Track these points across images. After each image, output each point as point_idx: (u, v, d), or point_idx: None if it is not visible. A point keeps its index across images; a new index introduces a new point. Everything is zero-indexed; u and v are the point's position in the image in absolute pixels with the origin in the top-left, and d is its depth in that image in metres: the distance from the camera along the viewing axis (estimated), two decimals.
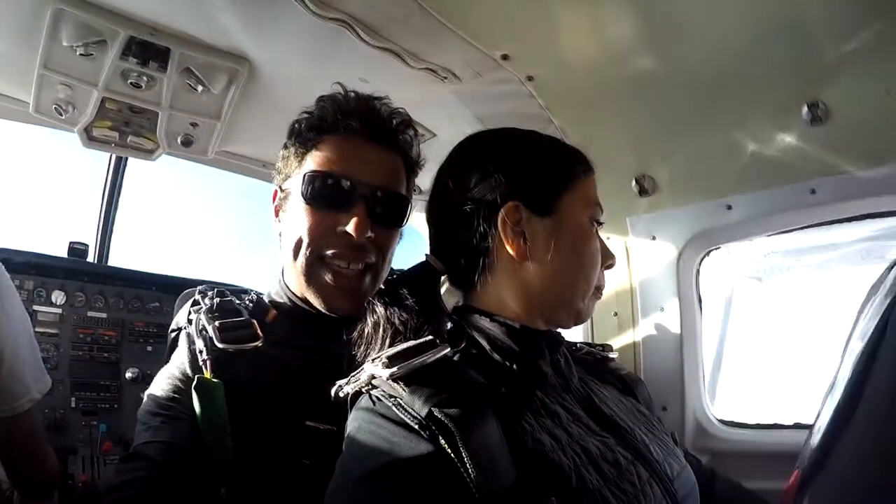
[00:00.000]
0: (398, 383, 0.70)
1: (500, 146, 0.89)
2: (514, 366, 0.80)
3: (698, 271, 1.43)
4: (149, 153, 1.55)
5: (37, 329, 1.69)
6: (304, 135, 1.02)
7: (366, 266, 1.01)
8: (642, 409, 0.95)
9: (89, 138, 1.45)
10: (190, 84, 1.34)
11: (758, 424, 1.40)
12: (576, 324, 0.86)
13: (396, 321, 0.83)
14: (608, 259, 0.89)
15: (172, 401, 0.91)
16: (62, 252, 1.92)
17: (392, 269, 1.19)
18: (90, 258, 1.95)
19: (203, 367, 0.91)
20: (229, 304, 1.03)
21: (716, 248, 1.41)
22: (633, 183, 1.43)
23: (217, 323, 0.95)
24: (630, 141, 1.40)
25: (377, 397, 0.71)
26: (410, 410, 0.67)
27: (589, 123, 1.39)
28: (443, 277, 0.90)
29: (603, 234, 1.50)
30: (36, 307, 1.76)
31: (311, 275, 1.00)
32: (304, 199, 0.98)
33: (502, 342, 0.81)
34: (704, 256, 1.42)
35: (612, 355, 1.11)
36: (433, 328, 0.83)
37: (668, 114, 1.32)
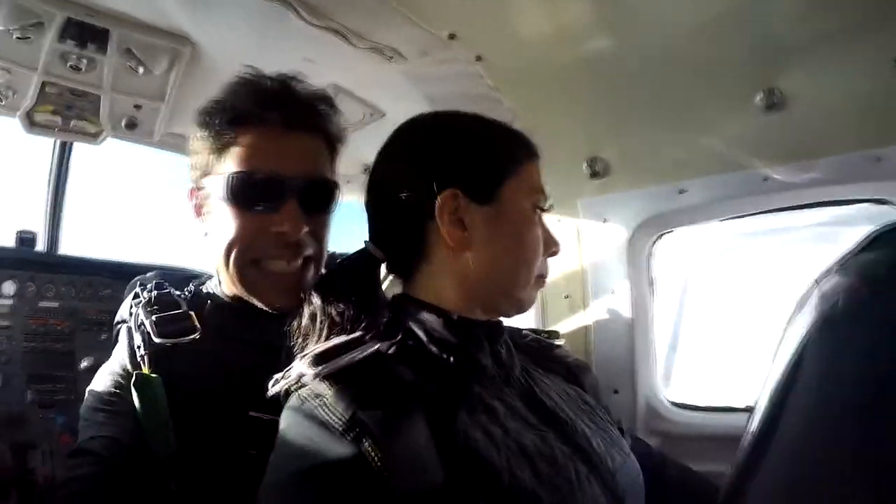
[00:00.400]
0: (325, 382, 0.68)
1: (439, 131, 0.87)
2: (451, 358, 0.78)
3: (650, 254, 1.43)
4: (93, 137, 1.53)
5: None
6: (218, 129, 0.95)
7: (305, 259, 0.98)
8: (587, 398, 0.93)
9: (31, 123, 1.42)
10: (131, 66, 1.32)
11: (709, 407, 1.40)
12: (517, 313, 0.85)
13: (333, 312, 0.81)
14: (552, 246, 0.86)
15: (114, 396, 0.90)
16: (10, 242, 1.86)
17: (335, 253, 1.18)
18: (39, 247, 1.91)
19: (141, 362, 0.90)
20: (167, 297, 1.01)
21: (668, 232, 1.41)
22: (585, 165, 1.42)
23: (154, 317, 0.94)
24: (582, 122, 1.39)
25: (304, 397, 0.69)
26: (335, 412, 0.65)
27: (540, 104, 1.38)
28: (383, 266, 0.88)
29: (553, 217, 1.52)
30: None
31: (248, 279, 0.97)
32: (230, 202, 0.93)
33: (439, 334, 0.79)
34: (657, 240, 1.42)
35: (558, 342, 1.09)
36: (370, 320, 0.81)
37: (621, 96, 1.31)
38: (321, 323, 0.81)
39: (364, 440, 0.62)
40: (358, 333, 0.77)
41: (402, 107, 1.51)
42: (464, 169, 0.81)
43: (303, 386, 0.71)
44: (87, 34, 1.22)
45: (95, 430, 0.86)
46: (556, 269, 1.51)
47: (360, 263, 0.86)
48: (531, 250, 0.82)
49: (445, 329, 0.79)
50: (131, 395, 0.86)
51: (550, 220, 1.49)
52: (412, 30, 1.20)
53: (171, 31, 1.27)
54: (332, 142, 1.05)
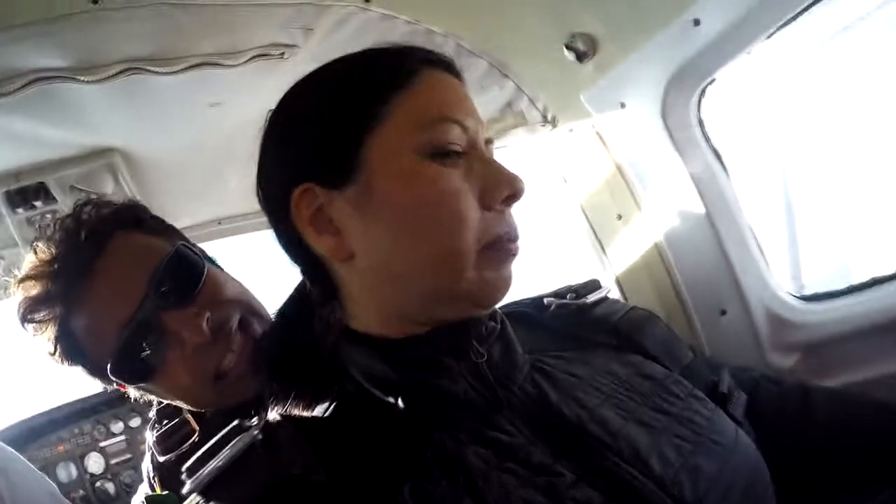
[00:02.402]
0: (200, 498, 0.56)
1: (282, 107, 0.65)
2: (399, 401, 0.57)
3: (699, 122, 1.04)
4: None
5: (111, 461, 1.89)
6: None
7: (241, 337, 0.88)
8: (651, 369, 0.67)
9: None
10: (84, 199, 1.30)
11: (854, 287, 0.98)
12: (481, 306, 0.60)
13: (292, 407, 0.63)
14: (501, 189, 0.57)
15: None
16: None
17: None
18: None
19: (154, 484, 0.90)
20: (168, 408, 0.97)
21: (709, 83, 1.01)
22: (566, 51, 1.07)
23: (155, 436, 0.93)
24: (535, 4, 1.05)
25: None
26: None
27: (473, 9, 1.08)
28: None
29: (564, 128, 1.19)
30: (102, 444, 1.90)
31: (214, 401, 0.89)
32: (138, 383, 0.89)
33: (378, 370, 0.58)
34: (700, 99, 1.02)
35: (593, 297, 0.78)
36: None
37: None
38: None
39: None
40: (234, 423, 0.61)
41: None
42: (306, 149, 0.60)
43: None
44: (28, 195, 1.23)
45: None
46: (597, 188, 1.19)
47: (296, 310, 0.67)
48: (446, 215, 0.55)
49: (383, 362, 0.58)
50: None
51: (561, 133, 1.19)
52: (273, 11, 0.99)
53: (93, 152, 1.23)
54: (156, 236, 0.92)
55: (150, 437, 0.95)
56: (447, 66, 0.64)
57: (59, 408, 1.92)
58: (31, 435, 1.84)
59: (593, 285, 0.83)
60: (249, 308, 0.91)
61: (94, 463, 1.89)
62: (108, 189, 1.31)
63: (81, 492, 1.81)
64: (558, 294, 0.81)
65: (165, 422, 0.95)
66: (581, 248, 1.22)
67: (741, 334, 1.04)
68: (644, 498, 0.51)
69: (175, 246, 0.89)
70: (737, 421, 0.65)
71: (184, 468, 0.60)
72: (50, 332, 0.85)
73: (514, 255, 0.59)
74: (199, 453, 0.60)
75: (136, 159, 1.28)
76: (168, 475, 0.88)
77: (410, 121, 0.57)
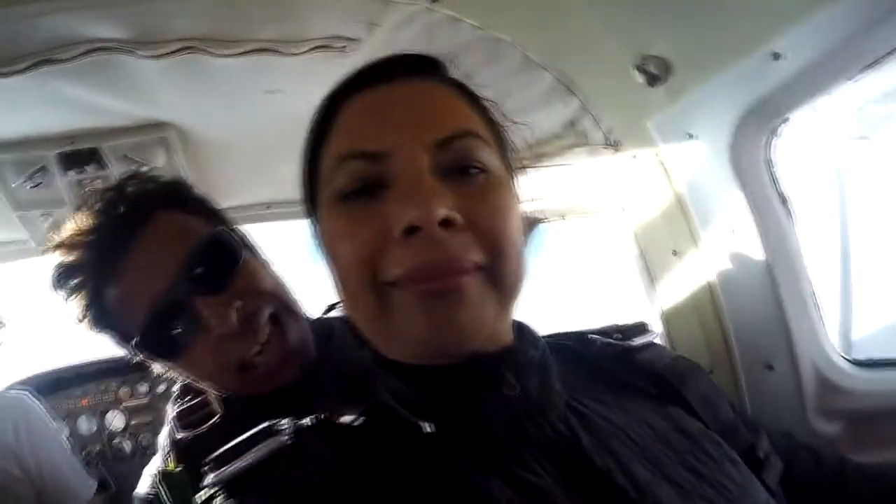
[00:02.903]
0: (221, 494, 0.56)
1: None
2: (427, 426, 0.55)
3: (769, 161, 0.98)
4: None
5: (132, 421, 1.94)
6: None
7: (269, 327, 0.87)
8: (689, 424, 0.64)
9: None
10: (135, 169, 1.32)
11: None
12: (436, 354, 0.55)
13: None
14: (395, 221, 0.51)
15: (152, 497, 0.90)
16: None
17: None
18: None
19: (168, 458, 0.89)
20: (193, 384, 0.97)
21: (783, 122, 0.94)
22: (636, 73, 1.02)
23: (176, 411, 0.93)
24: (607, 19, 1.00)
25: None
26: None
27: (544, 21, 1.03)
28: None
29: (628, 153, 1.14)
30: (125, 403, 1.95)
31: (243, 389, 0.89)
32: (168, 361, 0.92)
33: (407, 394, 0.57)
34: (770, 138, 0.96)
35: (640, 341, 0.75)
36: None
37: None
38: None
39: None
40: (265, 424, 0.60)
41: None
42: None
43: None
44: (81, 159, 1.25)
45: None
46: (655, 220, 1.15)
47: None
48: (339, 259, 0.57)
49: (412, 387, 0.57)
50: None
51: (623, 159, 1.14)
52: (338, 2, 0.97)
53: (147, 124, 1.24)
54: (194, 214, 0.92)
55: (171, 410, 0.95)
56: (402, 72, 0.60)
57: (89, 363, 1.98)
58: (57, 385, 1.91)
59: (641, 328, 0.79)
60: (283, 303, 0.89)
61: (115, 420, 1.95)
62: (160, 162, 1.32)
63: (98, 446, 1.87)
64: (604, 332, 0.77)
65: (188, 398, 0.96)
66: (631, 280, 1.17)
67: (786, 393, 0.99)
68: None
69: (215, 230, 0.88)
70: (769, 490, 0.62)
71: (208, 460, 0.59)
72: (81, 300, 0.86)
73: (435, 292, 0.51)
74: (224, 448, 0.59)
75: (190, 136, 1.29)
76: (184, 452, 0.88)
77: (328, 165, 0.57)
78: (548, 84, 1.11)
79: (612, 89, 1.08)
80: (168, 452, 0.90)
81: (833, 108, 1.03)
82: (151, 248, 0.83)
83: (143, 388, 1.97)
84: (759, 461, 0.65)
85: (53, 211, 1.37)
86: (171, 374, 0.96)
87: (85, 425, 1.91)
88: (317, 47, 1.04)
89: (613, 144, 1.12)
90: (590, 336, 0.76)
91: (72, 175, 1.27)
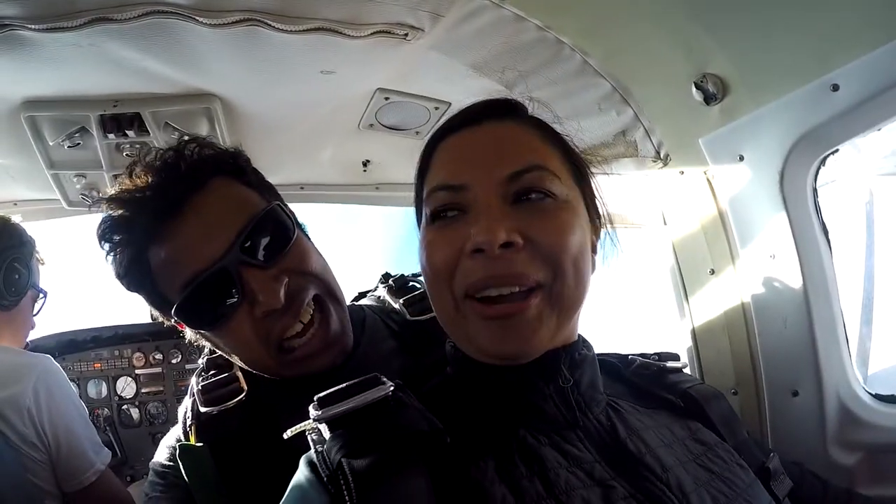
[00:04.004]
0: (326, 427, 0.62)
1: None
2: (493, 401, 0.68)
3: (815, 190, 0.99)
4: None
5: (143, 389, 1.95)
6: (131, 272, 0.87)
7: (313, 306, 0.86)
8: (705, 436, 0.74)
9: None
10: (175, 138, 1.30)
11: None
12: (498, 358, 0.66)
13: None
14: (469, 240, 0.63)
15: (168, 469, 0.90)
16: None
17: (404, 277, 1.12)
18: None
19: (189, 431, 0.87)
20: (220, 359, 0.97)
21: (832, 153, 0.96)
22: (693, 89, 1.03)
23: (201, 385, 0.91)
24: (671, 34, 1.00)
25: (311, 441, 0.64)
26: (325, 459, 0.60)
27: (608, 29, 1.04)
28: None
29: (674, 170, 1.15)
30: (138, 371, 1.95)
31: (281, 369, 0.88)
32: (201, 330, 0.89)
33: (484, 378, 0.69)
34: (819, 167, 0.98)
35: (674, 365, 0.85)
36: None
37: None
38: None
39: (344, 492, 0.56)
40: (372, 374, 0.67)
41: (460, 89, 1.30)
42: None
43: (316, 430, 0.65)
44: (123, 123, 1.25)
45: None
46: (695, 236, 1.16)
47: None
48: (429, 269, 0.68)
49: (488, 374, 0.68)
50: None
51: (672, 175, 1.15)
52: None
53: (193, 94, 1.24)
54: (242, 177, 0.91)
55: (195, 383, 0.93)
56: (487, 115, 0.71)
57: (106, 327, 1.97)
58: (72, 347, 1.91)
59: (674, 356, 0.89)
60: (327, 287, 0.89)
61: (126, 387, 1.95)
62: (202, 132, 1.31)
63: (107, 411, 1.87)
64: (643, 355, 0.88)
65: (213, 372, 0.94)
66: (665, 292, 1.19)
67: (808, 420, 1.01)
68: None
69: (270, 204, 0.88)
70: (777, 499, 0.70)
71: (315, 398, 0.65)
72: (125, 255, 0.84)
73: (498, 315, 0.62)
74: (331, 390, 0.65)
75: (235, 109, 1.28)
76: (205, 427, 0.87)
77: (426, 194, 0.70)
78: (604, 91, 1.11)
79: (667, 103, 1.08)
80: (190, 426, 0.88)
81: (870, 143, 1.04)
82: (206, 214, 0.83)
83: (157, 358, 1.97)
84: (768, 471, 0.73)
85: (87, 172, 1.37)
86: (202, 342, 0.94)
87: (94, 389, 1.91)
88: (379, 32, 1.04)
89: (663, 158, 1.12)
90: (630, 356, 0.88)
91: (111, 138, 1.27)
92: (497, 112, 0.72)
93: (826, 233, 1.01)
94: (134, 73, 1.12)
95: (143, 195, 0.83)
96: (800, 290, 1.00)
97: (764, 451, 0.79)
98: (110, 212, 0.85)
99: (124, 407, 1.91)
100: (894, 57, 0.82)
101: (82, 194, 1.42)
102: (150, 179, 0.84)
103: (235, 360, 0.92)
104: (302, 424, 0.66)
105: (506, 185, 0.64)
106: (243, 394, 0.88)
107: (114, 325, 1.95)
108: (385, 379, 0.66)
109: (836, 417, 0.99)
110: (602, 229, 0.74)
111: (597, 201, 0.74)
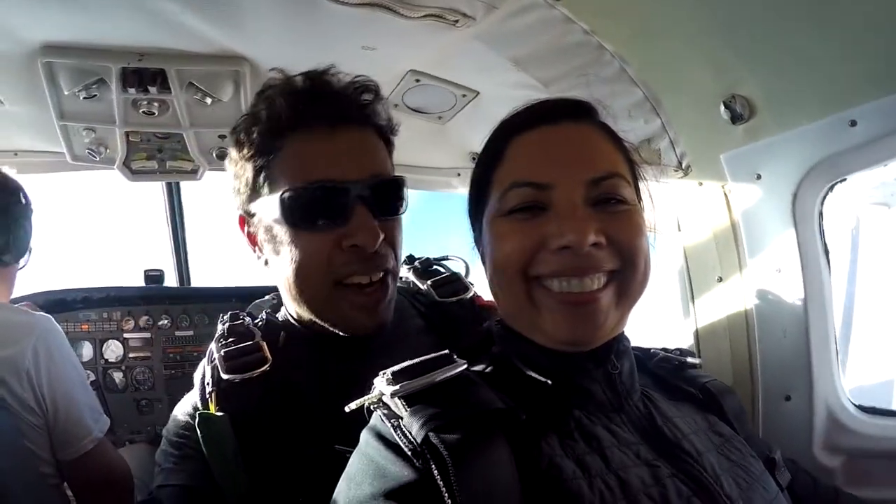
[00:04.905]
0: (402, 402, 0.63)
1: None
2: (550, 382, 0.71)
3: (821, 214, 1.07)
4: (192, 174, 1.55)
5: (129, 354, 1.89)
6: (258, 144, 0.85)
7: (384, 272, 0.88)
8: (722, 428, 0.79)
9: (132, 172, 1.47)
10: (198, 98, 1.28)
11: None
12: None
13: None
14: (552, 239, 0.68)
15: (184, 438, 0.87)
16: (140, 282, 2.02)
17: (413, 256, 1.15)
18: (173, 282, 2.04)
19: (209, 399, 0.85)
20: (240, 327, 0.95)
21: (840, 181, 1.04)
22: (722, 108, 1.08)
23: (223, 351, 0.88)
24: (709, 54, 1.05)
25: (381, 416, 0.64)
26: (407, 434, 0.60)
27: (649, 41, 1.08)
28: None
29: (693, 181, 1.21)
30: (126, 335, 1.90)
31: (327, 306, 0.88)
32: (290, 224, 0.84)
33: (534, 358, 0.72)
34: (827, 193, 1.05)
35: (692, 360, 0.90)
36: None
37: (756, 8, 0.97)
38: None
39: (433, 466, 0.57)
40: (445, 351, 0.70)
41: (492, 80, 1.33)
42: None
43: (383, 405, 0.65)
44: (145, 78, 1.20)
45: (164, 477, 0.85)
46: (707, 244, 1.22)
47: None
48: (503, 252, 0.71)
49: (543, 356, 0.71)
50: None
51: (691, 185, 1.21)
52: None
53: (223, 55, 1.20)
54: (385, 134, 0.93)
55: (216, 349, 0.90)
56: (565, 115, 0.73)
57: (97, 288, 1.91)
58: (60, 306, 1.83)
59: (691, 353, 0.94)
60: (396, 270, 0.92)
61: (112, 351, 1.90)
62: (226, 96, 1.29)
63: (91, 374, 1.80)
64: (665, 349, 0.94)
65: (232, 339, 0.92)
66: (672, 293, 1.26)
67: (798, 423, 1.09)
68: (716, 501, 0.63)
69: (400, 176, 0.92)
70: (780, 487, 0.76)
71: (388, 372, 0.66)
72: (272, 121, 0.85)
73: (574, 301, 0.66)
74: (406, 364, 0.66)
75: (264, 75, 1.24)
76: (226, 395, 0.85)
77: (500, 188, 0.71)
78: (636, 99, 1.16)
79: (695, 118, 1.13)
80: (210, 393, 0.86)
81: (864, 172, 1.13)
82: (359, 144, 0.88)
83: (146, 322, 1.92)
84: (773, 463, 0.79)
85: (97, 126, 1.31)
86: (261, 247, 0.92)
87: (81, 351, 1.84)
88: (431, 15, 1.05)
89: (684, 169, 1.18)
90: (652, 350, 0.93)
91: (131, 93, 1.22)
92: (574, 113, 0.74)
93: (827, 253, 1.09)
94: (166, 27, 1.09)
95: (320, 95, 0.86)
96: (801, 304, 1.08)
97: (767, 445, 0.84)
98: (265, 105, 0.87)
99: (109, 371, 1.86)
100: None
101: (89, 149, 1.36)
102: (333, 86, 0.87)
103: (284, 287, 0.91)
104: (366, 398, 0.67)
105: (588, 189, 0.67)
106: (267, 364, 0.87)
107: (105, 286, 1.89)
108: (456, 357, 0.68)
109: (823, 423, 1.08)
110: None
111: (646, 205, 0.78)
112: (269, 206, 0.85)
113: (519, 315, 0.71)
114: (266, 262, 0.92)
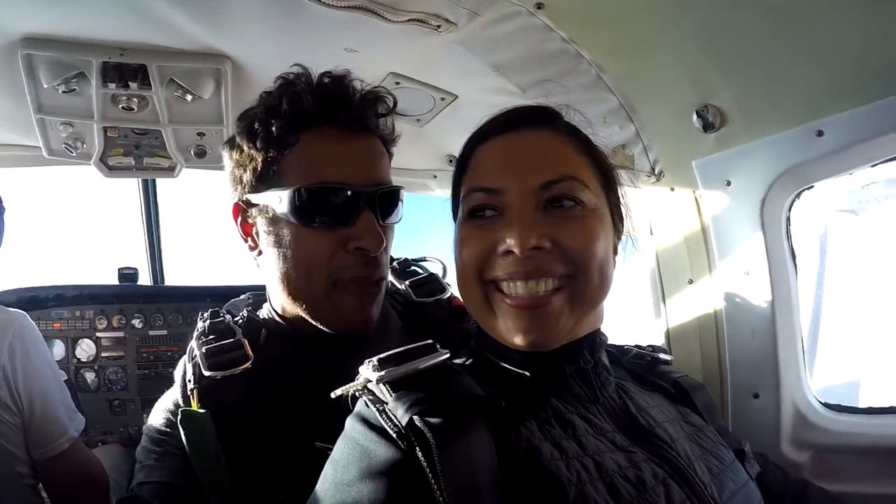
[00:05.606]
0: (386, 388, 0.65)
1: None
2: (527, 373, 0.73)
3: (789, 219, 1.12)
4: (169, 171, 1.53)
5: (102, 354, 1.86)
6: (277, 135, 0.85)
7: (374, 285, 0.91)
8: (694, 419, 0.83)
9: (109, 168, 1.45)
10: (178, 95, 1.27)
11: (873, 409, 1.09)
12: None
13: None
14: (502, 243, 0.73)
15: (165, 435, 0.88)
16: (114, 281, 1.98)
17: (408, 260, 1.18)
18: (146, 281, 2.01)
19: (190, 396, 0.85)
20: (220, 325, 0.95)
21: (808, 189, 1.09)
22: (695, 117, 1.13)
23: (205, 348, 0.89)
24: (683, 65, 1.10)
25: (366, 402, 0.66)
26: (392, 418, 0.62)
27: (627, 50, 1.12)
28: None
29: (665, 186, 1.25)
30: (99, 334, 1.87)
31: (323, 302, 0.89)
32: (297, 219, 0.85)
33: (510, 356, 0.74)
34: (794, 200, 1.10)
35: (665, 357, 0.95)
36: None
37: (729, 23, 1.01)
38: None
39: (419, 449, 0.59)
40: (428, 341, 0.72)
41: (471, 84, 1.35)
42: None
43: (368, 391, 0.67)
44: (126, 74, 1.19)
45: (145, 474, 0.85)
46: (678, 248, 1.26)
47: None
48: (463, 257, 0.75)
49: (516, 353, 0.73)
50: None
51: (663, 191, 1.25)
52: None
53: (206, 52, 1.20)
54: (388, 144, 0.96)
55: (196, 346, 0.91)
56: (525, 122, 0.76)
57: (70, 286, 1.88)
58: (31, 304, 1.80)
59: (664, 350, 0.99)
60: (387, 276, 0.96)
61: (85, 350, 1.86)
62: (206, 94, 1.28)
63: (64, 374, 1.75)
64: (638, 346, 0.98)
65: (213, 336, 0.92)
66: (644, 294, 1.29)
67: (766, 420, 1.13)
68: (692, 487, 0.66)
69: (398, 186, 0.95)
70: (750, 476, 0.80)
71: (374, 359, 0.67)
72: (291, 118, 0.86)
73: (525, 307, 0.69)
74: (391, 352, 0.68)
75: (246, 74, 1.26)
76: (208, 391, 0.85)
77: (464, 193, 0.75)
78: (611, 106, 1.19)
79: (668, 125, 1.17)
80: (191, 390, 0.86)
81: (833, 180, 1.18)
82: (371, 150, 0.91)
83: (119, 321, 1.89)
84: (743, 454, 0.83)
85: (75, 121, 1.30)
86: (262, 237, 0.92)
87: (53, 349, 1.79)
88: (415, 20, 1.06)
89: (657, 174, 1.22)
90: (626, 346, 0.97)
91: (111, 88, 1.21)
92: (534, 120, 0.76)
93: (794, 258, 1.14)
94: (149, 22, 1.08)
95: (346, 99, 0.88)
96: (768, 305, 1.12)
97: (736, 439, 0.88)
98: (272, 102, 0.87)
99: (81, 370, 1.82)
100: (876, 114, 0.95)
101: (66, 144, 1.34)
102: (357, 92, 0.90)
103: (275, 286, 0.92)
104: (351, 384, 0.68)
105: (539, 193, 0.69)
106: (249, 361, 0.87)
107: (78, 284, 1.85)
108: (439, 346, 0.70)
109: (790, 419, 1.12)
110: (624, 233, 0.81)
111: (621, 206, 0.80)
112: (275, 199, 0.86)
113: (479, 317, 0.75)
114: (259, 254, 0.93)
